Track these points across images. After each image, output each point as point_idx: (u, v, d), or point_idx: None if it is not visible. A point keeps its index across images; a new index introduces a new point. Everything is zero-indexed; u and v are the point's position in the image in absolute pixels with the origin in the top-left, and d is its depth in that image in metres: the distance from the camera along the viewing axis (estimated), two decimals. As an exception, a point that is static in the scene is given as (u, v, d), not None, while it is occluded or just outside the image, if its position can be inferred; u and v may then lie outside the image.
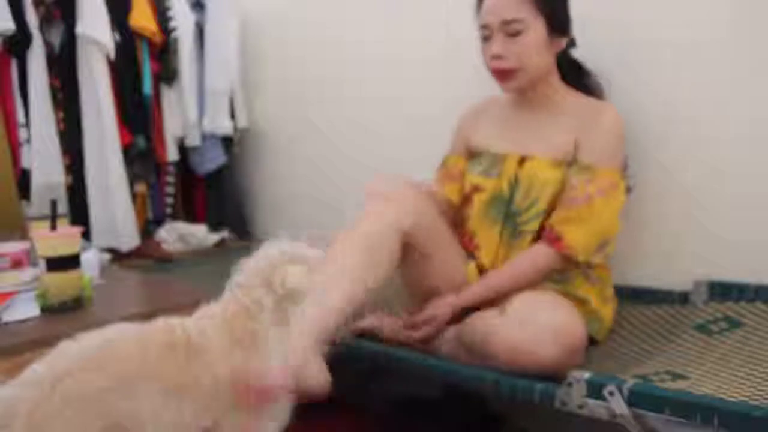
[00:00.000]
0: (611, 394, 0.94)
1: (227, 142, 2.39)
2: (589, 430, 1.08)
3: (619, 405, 0.93)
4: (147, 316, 0.93)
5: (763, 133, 1.28)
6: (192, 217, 2.44)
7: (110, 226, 2.00)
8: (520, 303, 1.14)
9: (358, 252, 1.21)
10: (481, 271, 1.34)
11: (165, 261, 2.11)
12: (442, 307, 1.28)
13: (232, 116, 2.36)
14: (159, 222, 2.27)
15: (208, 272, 1.86)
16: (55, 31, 1.94)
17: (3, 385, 0.77)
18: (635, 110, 1.39)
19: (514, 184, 1.30)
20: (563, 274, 1.27)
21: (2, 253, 1.34)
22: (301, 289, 0.87)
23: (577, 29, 1.32)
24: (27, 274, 1.31)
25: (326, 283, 1.15)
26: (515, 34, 1.23)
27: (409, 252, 1.28)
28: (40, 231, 1.17)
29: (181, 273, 1.98)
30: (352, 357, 1.29)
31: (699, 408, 0.86)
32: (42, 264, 1.13)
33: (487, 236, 1.34)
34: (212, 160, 2.37)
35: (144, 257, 2.10)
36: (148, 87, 2.12)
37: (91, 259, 1.38)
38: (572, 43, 1.33)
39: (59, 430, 0.73)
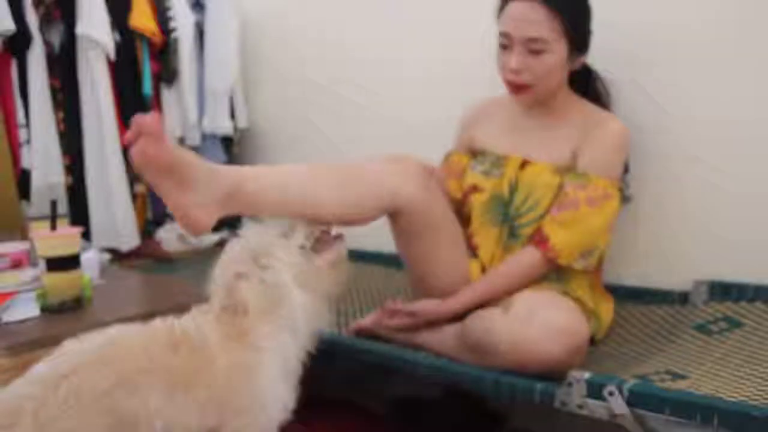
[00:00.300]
0: (611, 394, 0.94)
1: (227, 142, 2.39)
2: (589, 430, 1.09)
3: (619, 405, 0.93)
4: (147, 316, 0.93)
5: (763, 134, 1.28)
6: (192, 217, 2.44)
7: (110, 226, 2.00)
8: (522, 301, 1.15)
9: (336, 172, 1.17)
10: (482, 269, 1.34)
11: (165, 261, 2.11)
12: (428, 305, 1.28)
13: (232, 116, 2.35)
14: (159, 222, 2.27)
15: (208, 272, 1.85)
16: (55, 31, 1.94)
17: (9, 384, 0.77)
18: (633, 111, 1.39)
19: (515, 186, 1.30)
20: (560, 274, 1.27)
21: (2, 253, 1.34)
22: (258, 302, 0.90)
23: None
24: (27, 274, 1.31)
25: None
26: (536, 53, 1.21)
27: (407, 226, 1.25)
28: (40, 231, 1.17)
29: (181, 273, 1.98)
30: (351, 357, 1.29)
31: (699, 408, 0.86)
32: (42, 264, 1.13)
33: (486, 237, 1.34)
34: (212, 160, 2.35)
35: (144, 257, 2.10)
36: (148, 87, 2.11)
37: (91, 259, 1.38)
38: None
39: (65, 428, 0.73)
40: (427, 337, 1.28)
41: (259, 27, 2.37)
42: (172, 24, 2.17)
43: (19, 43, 1.85)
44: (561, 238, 1.22)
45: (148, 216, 2.23)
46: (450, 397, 1.50)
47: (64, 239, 1.14)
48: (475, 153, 1.42)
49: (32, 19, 1.87)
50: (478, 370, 1.11)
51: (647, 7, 1.40)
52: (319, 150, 2.20)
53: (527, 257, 1.25)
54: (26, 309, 1.13)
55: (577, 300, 1.24)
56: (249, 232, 0.96)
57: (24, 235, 1.49)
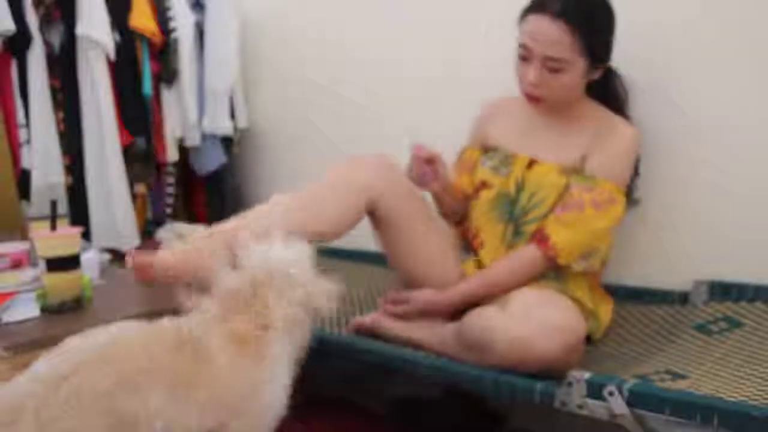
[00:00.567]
0: (611, 394, 0.94)
1: (227, 142, 2.39)
2: (589, 430, 1.09)
3: (619, 405, 0.93)
4: (147, 316, 0.93)
5: (764, 134, 1.28)
6: (192, 218, 2.44)
7: (110, 226, 2.00)
8: (519, 299, 1.16)
9: (305, 197, 1.26)
10: (483, 267, 1.35)
11: (165, 261, 2.11)
12: (425, 293, 1.30)
13: (232, 116, 2.35)
14: (159, 222, 2.27)
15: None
16: (55, 32, 1.94)
17: (10, 381, 0.77)
18: (635, 111, 1.39)
19: (521, 185, 1.31)
20: (559, 273, 1.27)
21: (2, 254, 1.34)
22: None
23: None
24: (27, 274, 1.31)
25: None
26: (555, 71, 1.21)
27: (384, 217, 1.32)
28: (40, 231, 1.17)
29: (181, 273, 1.98)
30: (351, 356, 1.29)
31: (699, 408, 0.86)
32: (42, 264, 1.13)
33: (491, 234, 1.34)
34: (212, 160, 2.37)
35: (144, 257, 2.10)
36: (148, 87, 2.11)
37: (91, 259, 1.38)
38: None
39: (65, 426, 0.73)
40: (426, 336, 1.29)
41: (259, 27, 2.37)
42: (172, 24, 2.17)
43: (19, 43, 1.85)
44: (562, 237, 1.22)
45: (148, 216, 2.23)
46: (450, 397, 1.50)
47: (64, 239, 1.14)
48: (487, 149, 1.42)
49: (32, 19, 1.87)
50: (478, 369, 1.11)
51: (656, 7, 1.39)
52: (319, 150, 2.20)
53: (527, 254, 1.26)
54: (26, 309, 1.13)
55: (576, 300, 1.24)
56: (275, 247, 0.96)
57: (24, 235, 1.49)
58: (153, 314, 0.92)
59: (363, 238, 1.41)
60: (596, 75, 1.28)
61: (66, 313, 1.13)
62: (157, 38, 2.11)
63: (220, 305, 0.91)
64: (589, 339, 1.24)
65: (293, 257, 0.95)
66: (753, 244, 1.30)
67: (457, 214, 1.45)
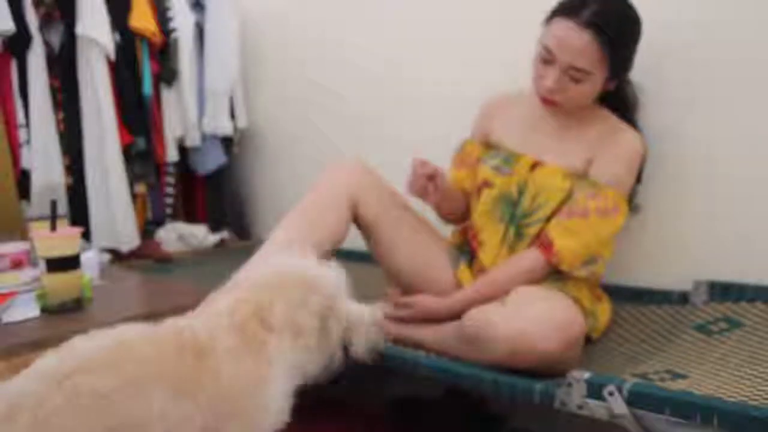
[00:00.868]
0: (611, 394, 0.94)
1: (227, 142, 2.39)
2: (589, 430, 1.08)
3: (618, 405, 0.93)
4: (147, 316, 0.93)
5: (763, 134, 1.28)
6: (192, 218, 2.44)
7: (110, 226, 2.00)
8: (518, 295, 1.17)
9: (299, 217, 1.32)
10: (481, 268, 1.35)
11: (165, 261, 2.11)
12: (427, 300, 1.30)
13: (232, 116, 2.35)
14: (159, 222, 2.27)
15: (208, 272, 1.86)
16: (55, 32, 1.94)
17: (10, 379, 0.77)
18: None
19: (524, 186, 1.31)
20: (558, 273, 1.27)
21: (2, 254, 1.34)
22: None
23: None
24: (27, 274, 1.31)
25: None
26: (576, 80, 1.21)
27: (366, 215, 1.36)
28: (39, 231, 1.17)
29: (181, 273, 1.98)
30: (351, 356, 1.29)
31: (699, 408, 0.86)
32: (42, 264, 1.13)
33: (491, 233, 1.34)
34: (212, 160, 2.37)
35: (144, 258, 2.10)
36: (148, 87, 2.11)
37: (91, 260, 1.38)
38: None
39: (63, 426, 0.73)
40: (426, 334, 1.29)
41: (259, 27, 2.37)
42: (172, 24, 2.17)
43: (19, 43, 1.85)
44: (566, 244, 1.22)
45: (148, 216, 2.23)
46: (450, 397, 1.50)
47: (64, 239, 1.14)
48: (489, 145, 1.42)
49: (32, 19, 1.87)
50: (478, 369, 1.11)
51: (662, 6, 1.39)
52: (319, 150, 2.20)
53: (530, 259, 1.26)
54: (26, 309, 1.13)
55: (575, 299, 1.24)
56: (326, 269, 0.94)
57: (24, 236, 1.49)
58: (153, 314, 0.92)
59: (350, 236, 1.41)
60: (613, 85, 1.28)
61: (66, 314, 1.13)
62: (157, 38, 2.11)
63: (229, 304, 0.90)
64: (588, 339, 1.24)
65: (315, 269, 0.93)
66: (753, 244, 1.30)
67: (455, 214, 1.45)
